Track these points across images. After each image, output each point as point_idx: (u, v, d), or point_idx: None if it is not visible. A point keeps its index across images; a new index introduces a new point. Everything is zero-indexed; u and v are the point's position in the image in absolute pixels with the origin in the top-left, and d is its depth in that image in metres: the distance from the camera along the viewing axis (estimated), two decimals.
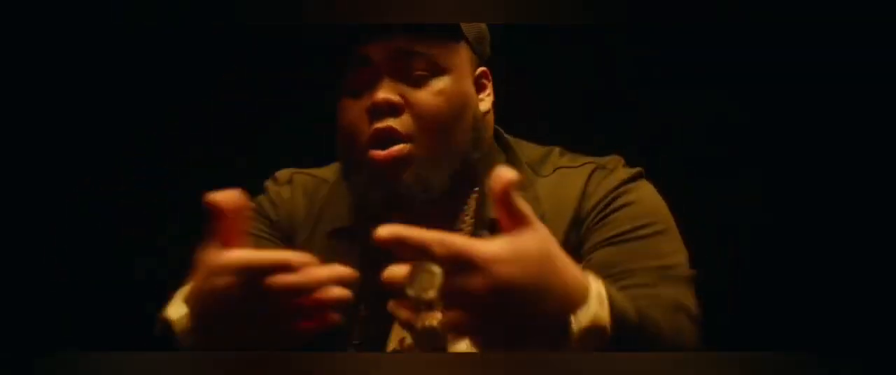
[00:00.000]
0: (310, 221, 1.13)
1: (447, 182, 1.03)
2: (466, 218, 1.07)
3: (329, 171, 1.19)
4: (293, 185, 1.18)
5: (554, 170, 1.11)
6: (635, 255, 1.00)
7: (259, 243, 1.09)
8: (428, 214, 1.00)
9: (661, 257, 1.01)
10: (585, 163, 1.11)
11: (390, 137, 0.98)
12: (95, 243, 2.24)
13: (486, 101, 1.11)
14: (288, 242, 1.12)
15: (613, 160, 1.11)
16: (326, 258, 0.86)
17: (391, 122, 0.98)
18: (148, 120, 2.20)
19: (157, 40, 2.10)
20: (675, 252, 1.03)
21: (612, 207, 1.05)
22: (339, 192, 1.13)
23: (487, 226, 1.02)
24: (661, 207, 1.08)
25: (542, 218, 0.87)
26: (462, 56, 1.05)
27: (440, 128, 1.00)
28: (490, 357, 0.78)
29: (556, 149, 1.15)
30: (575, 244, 1.02)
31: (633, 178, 1.08)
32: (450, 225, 1.05)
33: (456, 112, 1.02)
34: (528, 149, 1.15)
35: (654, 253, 1.01)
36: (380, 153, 0.98)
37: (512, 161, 1.11)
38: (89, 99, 2.19)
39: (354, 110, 1.00)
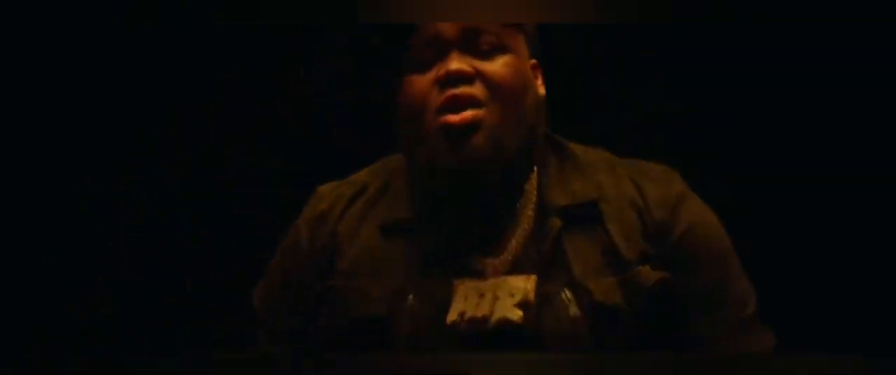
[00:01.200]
0: (353, 220, 1.13)
1: (513, 155, 1.06)
2: (528, 206, 1.09)
3: (366, 175, 1.21)
4: (332, 195, 1.18)
5: (608, 166, 1.14)
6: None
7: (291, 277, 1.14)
8: (488, 204, 1.06)
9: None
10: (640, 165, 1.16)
11: (464, 102, 1.02)
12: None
13: (541, 85, 1.15)
14: (331, 248, 1.13)
15: (667, 170, 1.16)
16: (376, 252, 1.03)
17: (465, 89, 1.03)
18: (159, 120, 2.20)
19: (163, 40, 2.09)
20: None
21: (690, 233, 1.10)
22: (390, 186, 1.15)
23: (552, 212, 1.07)
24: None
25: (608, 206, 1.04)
26: (521, 42, 1.11)
27: (510, 96, 1.05)
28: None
29: (602, 151, 1.20)
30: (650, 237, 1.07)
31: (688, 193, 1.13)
32: (509, 212, 1.08)
33: (522, 84, 1.07)
34: (576, 148, 1.18)
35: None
36: (454, 116, 1.01)
37: (566, 155, 1.15)
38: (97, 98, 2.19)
39: (423, 83, 1.05)
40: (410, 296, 1.05)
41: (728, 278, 1.11)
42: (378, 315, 1.04)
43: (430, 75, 1.05)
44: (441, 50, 1.05)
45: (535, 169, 1.12)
